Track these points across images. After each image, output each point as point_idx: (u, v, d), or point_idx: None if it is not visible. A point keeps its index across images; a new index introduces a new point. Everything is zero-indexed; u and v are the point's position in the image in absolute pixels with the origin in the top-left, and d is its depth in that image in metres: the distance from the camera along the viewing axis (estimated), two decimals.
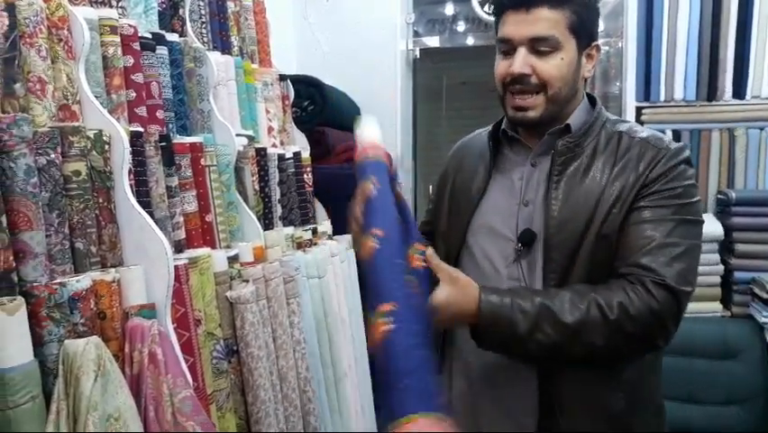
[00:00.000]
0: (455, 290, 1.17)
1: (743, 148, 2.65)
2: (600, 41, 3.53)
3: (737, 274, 2.48)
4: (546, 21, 1.22)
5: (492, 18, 3.20)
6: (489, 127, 1.47)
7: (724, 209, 2.59)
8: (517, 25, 1.23)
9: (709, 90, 2.68)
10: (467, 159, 1.46)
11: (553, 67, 1.24)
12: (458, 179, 1.44)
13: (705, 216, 2.65)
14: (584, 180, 1.26)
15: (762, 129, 2.63)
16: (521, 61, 1.23)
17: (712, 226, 2.54)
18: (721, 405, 2.30)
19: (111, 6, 1.55)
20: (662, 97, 2.72)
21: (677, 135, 2.68)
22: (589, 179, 1.26)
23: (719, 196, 2.65)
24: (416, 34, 3.50)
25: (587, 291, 1.19)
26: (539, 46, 1.23)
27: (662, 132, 2.67)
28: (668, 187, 1.23)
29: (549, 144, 1.32)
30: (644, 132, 1.33)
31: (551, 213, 1.26)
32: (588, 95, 1.37)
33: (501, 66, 1.28)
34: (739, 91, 2.67)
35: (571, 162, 1.28)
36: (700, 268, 2.42)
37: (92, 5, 1.50)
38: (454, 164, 1.50)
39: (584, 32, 1.27)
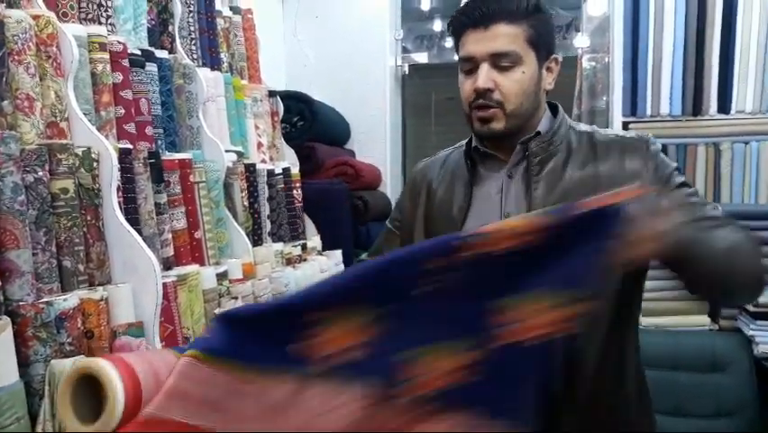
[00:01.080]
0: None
1: (728, 162, 2.68)
2: (587, 56, 3.57)
3: None
4: (505, 36, 1.24)
5: None
6: (451, 149, 1.48)
7: None
8: (478, 43, 1.25)
9: (695, 105, 2.71)
10: (436, 178, 1.43)
11: (514, 82, 1.25)
12: (434, 201, 1.40)
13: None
14: (563, 177, 1.28)
15: (746, 143, 2.66)
16: (484, 77, 1.24)
17: None
18: (710, 418, 2.31)
19: (100, 23, 1.55)
20: (649, 112, 2.74)
21: (663, 149, 2.68)
22: (569, 176, 1.28)
23: None
24: (405, 50, 3.52)
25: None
26: (500, 61, 1.24)
27: None
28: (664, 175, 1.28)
29: (522, 153, 1.33)
30: (615, 133, 1.39)
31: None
32: (549, 103, 1.39)
33: (466, 84, 1.28)
34: (724, 106, 2.69)
35: (548, 162, 1.30)
36: None
37: (81, 22, 1.50)
38: (419, 185, 1.45)
39: (542, 45, 1.28)
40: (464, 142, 1.44)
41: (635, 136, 1.34)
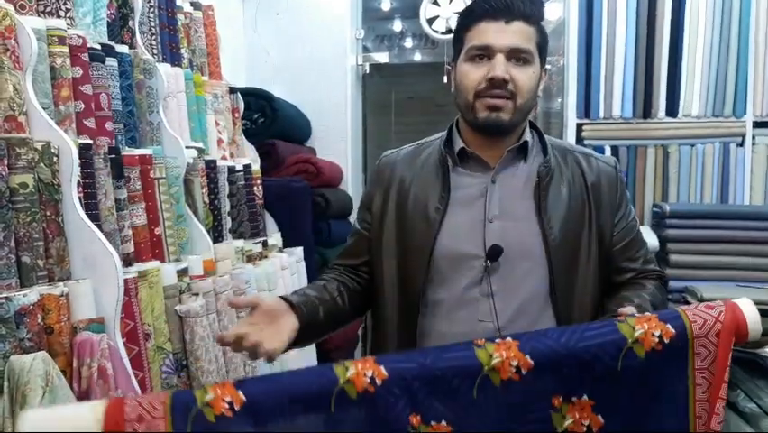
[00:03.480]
0: None
1: (676, 164, 2.80)
2: None
3: (672, 283, 2.59)
4: (524, 34, 1.27)
5: (439, 36, 3.31)
6: (417, 144, 1.47)
7: (659, 222, 2.71)
8: (498, 34, 1.25)
9: (645, 108, 2.82)
10: (406, 176, 1.39)
11: (527, 78, 1.27)
12: (405, 200, 1.38)
13: (641, 229, 2.79)
14: (563, 199, 1.32)
15: (693, 146, 2.78)
16: (503, 67, 1.24)
17: (648, 238, 2.64)
18: None
19: (59, 17, 1.53)
20: (602, 114, 2.84)
21: (615, 151, 2.80)
22: (567, 197, 1.32)
23: (654, 209, 2.78)
24: (366, 50, 3.55)
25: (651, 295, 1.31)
26: (517, 56, 1.26)
27: (602, 148, 2.82)
28: (626, 198, 1.40)
29: (508, 161, 1.33)
30: (583, 149, 1.44)
31: (550, 237, 1.28)
32: None
33: (476, 72, 1.27)
34: (672, 110, 2.81)
35: (550, 184, 1.31)
36: None
37: (39, 15, 1.48)
38: (388, 180, 1.43)
39: (544, 52, 1.32)
40: (433, 139, 1.43)
41: (608, 157, 1.44)
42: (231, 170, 2.29)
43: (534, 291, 1.29)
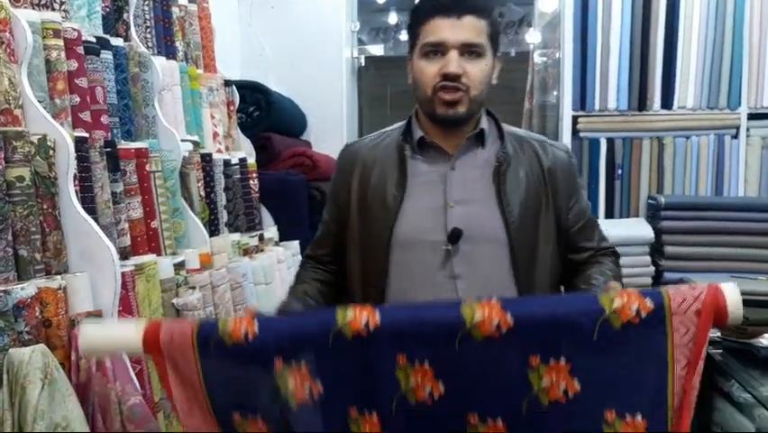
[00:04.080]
0: None
1: (671, 156, 2.80)
2: (538, 52, 3.65)
3: (667, 275, 2.61)
4: (475, 28, 1.30)
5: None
6: (378, 135, 1.50)
7: (654, 213, 2.72)
8: (449, 30, 1.29)
9: (640, 101, 2.82)
10: (367, 166, 1.42)
11: (479, 70, 1.32)
12: (366, 189, 1.41)
13: (636, 220, 2.81)
14: (521, 184, 1.37)
15: (687, 138, 2.78)
16: (456, 62, 1.29)
17: (643, 230, 2.67)
18: None
19: (53, 9, 1.52)
20: (597, 107, 2.84)
21: (611, 143, 2.81)
22: (524, 181, 1.37)
23: (650, 201, 2.78)
24: (361, 42, 3.54)
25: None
26: (470, 50, 1.30)
27: (597, 140, 2.83)
28: (579, 183, 1.48)
29: (466, 148, 1.38)
30: (538, 135, 1.49)
31: (510, 219, 1.33)
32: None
33: (431, 68, 1.31)
34: (667, 102, 2.81)
35: (508, 169, 1.36)
36: (633, 269, 2.57)
37: (34, 8, 1.48)
38: (350, 171, 1.46)
39: (496, 43, 1.36)
40: (393, 129, 1.48)
41: (562, 144, 1.51)
42: (226, 163, 2.29)
43: (496, 272, 1.34)
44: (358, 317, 1.01)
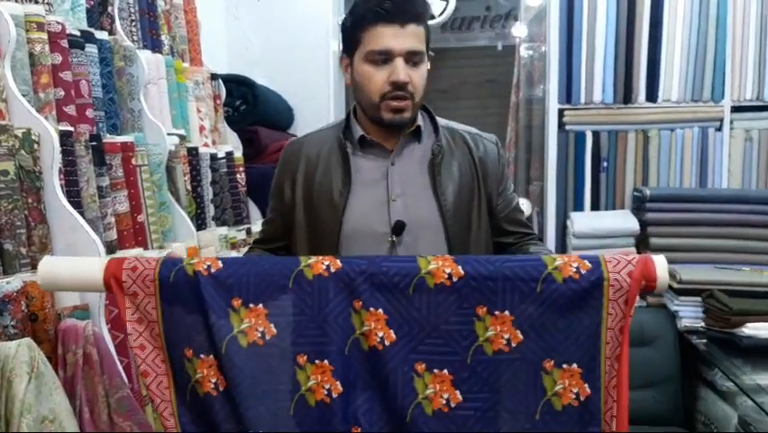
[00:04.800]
0: None
1: (656, 148, 2.83)
2: (524, 45, 3.66)
3: None
4: (417, 36, 1.35)
5: None
6: (318, 132, 1.54)
7: (639, 205, 2.75)
8: (396, 38, 1.33)
9: (625, 94, 2.84)
10: (311, 164, 1.46)
11: (420, 77, 1.38)
12: (311, 186, 1.45)
13: (622, 213, 2.84)
14: (454, 174, 1.44)
15: (672, 130, 2.81)
16: (404, 71, 1.34)
17: (629, 221, 2.70)
18: (638, 389, 2.45)
19: (37, 2, 1.51)
20: (583, 100, 2.86)
21: (596, 136, 2.83)
22: (457, 172, 1.45)
23: (635, 193, 2.81)
24: None
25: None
26: (413, 58, 1.35)
27: (583, 133, 2.85)
28: (506, 171, 1.57)
29: (404, 144, 1.45)
30: (468, 128, 1.55)
31: (445, 208, 1.40)
32: None
33: (379, 75, 1.35)
34: (652, 95, 2.84)
35: (442, 160, 1.43)
36: None
37: (17, 1, 1.46)
38: (294, 167, 1.48)
39: (429, 47, 1.41)
40: (331, 126, 1.53)
41: (490, 135, 1.57)
42: (213, 157, 2.28)
43: None
44: (320, 261, 1.08)
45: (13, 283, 1.19)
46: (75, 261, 1.11)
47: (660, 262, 1.05)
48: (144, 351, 1.08)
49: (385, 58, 1.35)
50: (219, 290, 1.06)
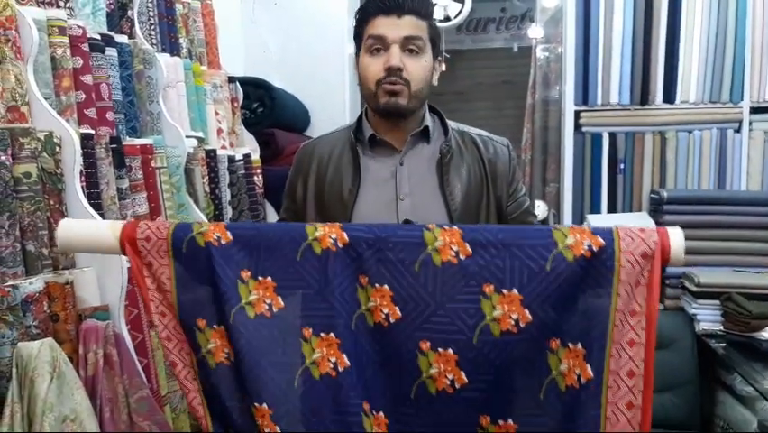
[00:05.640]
0: None
1: (673, 150, 2.80)
2: (541, 47, 3.64)
3: (670, 269, 2.61)
4: (415, 25, 1.39)
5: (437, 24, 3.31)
6: (330, 133, 1.57)
7: (656, 208, 2.73)
8: (390, 27, 1.38)
9: (642, 95, 2.82)
10: (323, 164, 1.50)
11: (419, 67, 1.39)
12: (322, 185, 1.48)
13: (639, 215, 2.82)
14: (463, 174, 1.46)
15: (690, 132, 2.79)
16: (397, 56, 1.36)
17: (646, 224, 2.68)
18: (656, 392, 2.42)
19: (59, 7, 1.54)
20: (599, 102, 2.85)
21: (613, 138, 2.81)
22: (466, 172, 1.46)
23: (652, 195, 2.79)
24: None
25: None
26: (410, 45, 1.38)
27: (599, 134, 2.83)
28: (518, 174, 1.56)
29: (413, 144, 1.47)
30: (479, 131, 1.55)
31: (452, 207, 1.42)
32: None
33: (375, 63, 1.39)
34: (669, 96, 2.81)
35: (451, 160, 1.45)
36: None
37: (39, 6, 1.49)
38: (307, 168, 1.52)
39: (437, 45, 1.44)
40: (341, 129, 1.56)
41: (501, 138, 1.57)
42: (231, 159, 2.30)
43: None
44: (327, 234, 1.07)
45: (35, 284, 1.21)
46: (91, 224, 1.14)
47: (676, 237, 1.00)
48: (165, 318, 1.09)
49: (380, 46, 1.38)
50: (229, 262, 1.07)
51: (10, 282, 1.18)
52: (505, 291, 1.03)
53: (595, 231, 1.03)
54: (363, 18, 1.42)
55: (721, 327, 2.38)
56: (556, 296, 1.02)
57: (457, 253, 1.04)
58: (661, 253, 1.00)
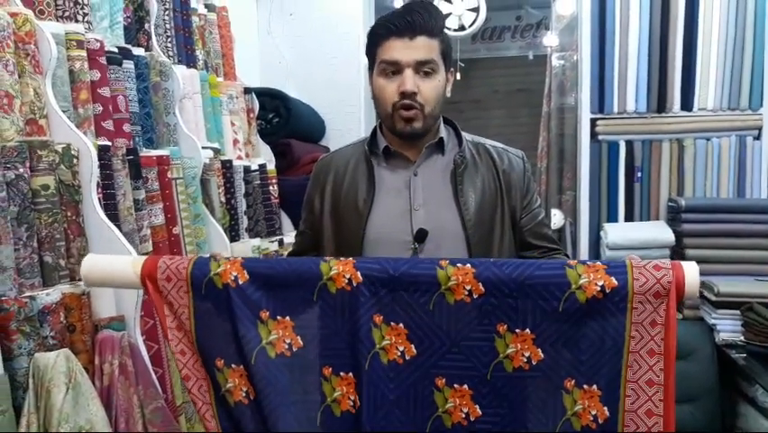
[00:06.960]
0: None
1: (691, 158, 2.77)
2: (556, 55, 3.63)
3: None
4: (427, 47, 1.39)
5: (452, 33, 3.31)
6: (348, 146, 1.59)
7: (674, 216, 2.69)
8: (404, 50, 1.38)
9: (659, 103, 2.79)
10: (339, 176, 1.52)
11: (432, 88, 1.40)
12: (338, 196, 1.50)
13: (657, 223, 2.79)
14: (477, 184, 1.47)
15: (708, 140, 2.75)
16: (412, 81, 1.37)
17: (664, 233, 2.65)
18: (675, 403, 2.39)
19: (77, 21, 1.56)
20: (616, 109, 2.82)
21: (630, 146, 2.79)
22: (480, 183, 1.46)
23: (670, 203, 2.75)
24: None
25: None
26: (423, 68, 1.38)
27: (617, 143, 2.81)
28: (533, 185, 1.57)
29: (427, 156, 1.48)
30: (494, 142, 1.56)
31: (466, 217, 1.43)
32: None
33: (390, 86, 1.40)
34: (687, 104, 2.78)
35: (465, 171, 1.46)
36: None
37: (58, 20, 1.51)
38: (324, 181, 1.54)
39: (449, 58, 1.45)
40: (360, 141, 1.57)
41: (516, 150, 1.57)
42: (246, 169, 2.31)
43: None
44: (341, 273, 1.08)
45: (52, 295, 1.22)
46: (112, 261, 1.15)
47: (690, 272, 1.01)
48: (185, 356, 1.11)
49: (394, 69, 1.39)
50: (248, 303, 1.09)
51: (27, 293, 1.19)
52: (518, 331, 1.06)
53: (609, 270, 1.03)
54: (375, 39, 1.43)
55: (742, 338, 2.33)
56: (568, 336, 1.04)
57: (470, 291, 1.06)
58: (676, 290, 1.00)
